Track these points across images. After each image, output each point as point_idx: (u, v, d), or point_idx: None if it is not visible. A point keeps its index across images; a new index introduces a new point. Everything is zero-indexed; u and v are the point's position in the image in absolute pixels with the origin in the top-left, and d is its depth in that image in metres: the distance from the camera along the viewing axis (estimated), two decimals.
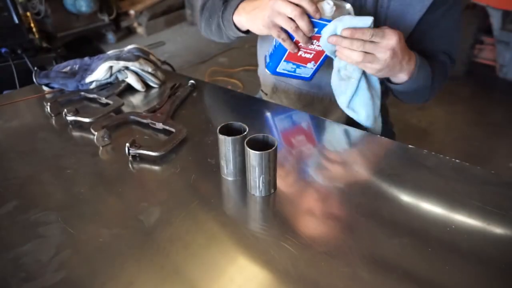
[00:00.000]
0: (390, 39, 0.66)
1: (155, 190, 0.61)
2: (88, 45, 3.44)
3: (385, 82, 0.83)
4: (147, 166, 0.67)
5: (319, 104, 0.97)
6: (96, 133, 0.71)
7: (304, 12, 0.65)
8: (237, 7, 0.80)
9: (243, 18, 0.79)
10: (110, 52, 1.00)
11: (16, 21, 1.75)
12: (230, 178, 0.63)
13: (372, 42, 0.66)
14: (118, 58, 0.93)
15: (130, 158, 0.68)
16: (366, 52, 0.67)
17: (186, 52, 3.73)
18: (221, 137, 0.58)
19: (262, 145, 0.57)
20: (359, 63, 0.69)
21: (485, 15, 2.69)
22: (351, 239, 0.51)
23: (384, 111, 1.11)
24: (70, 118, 0.79)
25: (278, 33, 0.69)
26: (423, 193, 0.59)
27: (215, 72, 3.22)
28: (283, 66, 0.78)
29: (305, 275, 0.46)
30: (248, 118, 0.84)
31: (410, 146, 0.71)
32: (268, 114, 0.86)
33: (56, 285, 0.45)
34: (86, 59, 0.98)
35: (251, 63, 3.09)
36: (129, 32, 4.26)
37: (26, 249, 0.50)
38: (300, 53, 0.74)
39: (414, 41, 0.85)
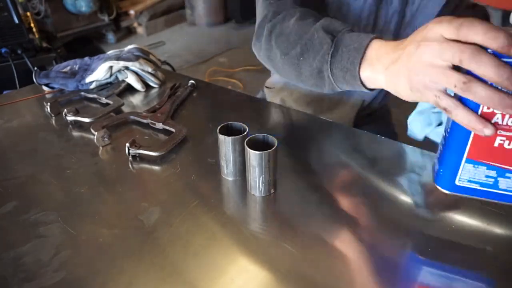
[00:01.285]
0: None
1: (155, 190, 0.61)
2: (88, 45, 3.45)
3: None
4: (147, 166, 0.67)
5: (327, 99, 0.96)
6: (96, 133, 0.71)
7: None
8: (365, 50, 0.50)
9: (381, 77, 0.48)
10: (110, 52, 1.00)
11: (16, 21, 1.75)
12: (230, 178, 0.63)
13: None
14: (118, 58, 0.93)
15: (130, 158, 0.68)
16: None
17: (186, 52, 3.73)
18: (221, 137, 0.58)
19: (262, 145, 0.58)
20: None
21: (485, 15, 2.69)
22: (351, 239, 0.51)
23: (385, 111, 1.11)
24: (70, 118, 0.79)
25: (436, 98, 0.40)
26: (423, 193, 0.59)
27: (215, 72, 3.22)
28: (468, 174, 0.44)
29: (305, 275, 0.46)
30: (248, 118, 0.85)
31: (411, 146, 0.71)
32: (268, 114, 0.86)
33: (56, 285, 0.45)
34: (86, 59, 0.98)
35: (251, 63, 3.09)
36: (129, 32, 4.26)
37: (26, 249, 0.50)
38: (497, 141, 0.40)
39: None
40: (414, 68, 0.41)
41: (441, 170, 0.46)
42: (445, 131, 0.45)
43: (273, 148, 0.55)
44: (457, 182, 0.45)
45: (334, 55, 0.53)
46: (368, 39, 0.50)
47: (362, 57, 0.50)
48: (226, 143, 0.58)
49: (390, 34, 0.84)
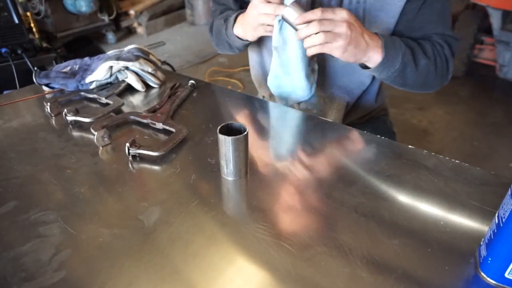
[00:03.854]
0: (341, 12, 0.71)
1: (155, 190, 0.61)
2: (88, 45, 3.44)
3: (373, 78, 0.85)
4: (147, 166, 0.67)
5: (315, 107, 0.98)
6: (96, 133, 0.71)
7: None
8: (235, 21, 0.90)
9: (240, 30, 0.89)
10: (110, 52, 1.00)
11: (16, 21, 1.74)
12: (230, 178, 0.63)
13: (326, 20, 0.70)
14: (118, 58, 0.94)
15: (130, 158, 0.68)
16: (325, 32, 0.70)
17: (186, 52, 3.73)
18: (221, 137, 0.58)
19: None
20: (323, 45, 0.72)
21: (485, 15, 2.69)
22: (351, 239, 0.51)
23: (384, 111, 1.11)
24: (70, 118, 0.79)
25: (265, 29, 0.81)
26: (423, 194, 0.59)
27: (215, 72, 3.22)
28: None
29: (305, 275, 0.46)
30: (248, 118, 0.85)
31: (410, 146, 0.71)
32: (269, 114, 0.86)
33: (56, 285, 0.45)
34: (86, 59, 0.98)
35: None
36: (129, 32, 4.26)
37: (26, 249, 0.50)
38: None
39: (402, 33, 0.87)
40: (250, 19, 0.82)
41: (490, 259, 0.45)
42: (498, 217, 0.44)
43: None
44: (507, 275, 0.44)
45: (226, 29, 0.92)
46: (235, 14, 0.90)
47: (233, 25, 0.90)
48: (226, 143, 0.59)
49: None
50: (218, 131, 0.59)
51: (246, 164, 0.63)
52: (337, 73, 0.92)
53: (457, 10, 2.86)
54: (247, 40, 0.91)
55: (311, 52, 0.74)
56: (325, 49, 0.73)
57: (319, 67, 0.91)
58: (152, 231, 0.53)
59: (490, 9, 2.55)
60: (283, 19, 0.76)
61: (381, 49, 0.76)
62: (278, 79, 0.89)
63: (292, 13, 0.73)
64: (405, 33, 0.86)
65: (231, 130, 0.61)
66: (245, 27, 0.87)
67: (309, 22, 0.71)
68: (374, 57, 0.77)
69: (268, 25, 0.80)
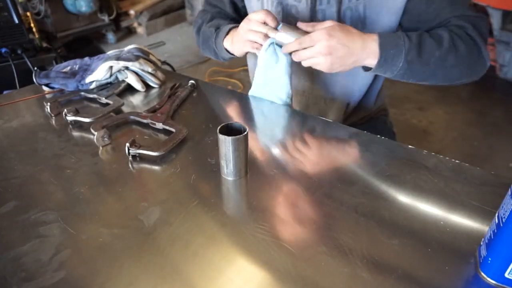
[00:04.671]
0: (318, 40, 0.72)
1: (155, 190, 0.61)
2: (88, 45, 3.44)
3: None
4: (147, 166, 0.67)
5: (314, 107, 0.98)
6: (96, 133, 0.71)
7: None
8: (227, 34, 0.91)
9: (229, 43, 0.91)
10: (110, 52, 1.00)
11: (16, 21, 1.75)
12: (230, 178, 0.63)
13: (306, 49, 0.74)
14: (118, 58, 0.94)
15: (130, 158, 0.68)
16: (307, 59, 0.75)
17: (186, 52, 3.73)
18: (221, 137, 0.58)
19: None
20: (311, 65, 0.77)
21: (485, 15, 2.69)
22: (351, 239, 0.51)
23: (383, 111, 1.11)
24: (70, 118, 0.79)
25: (252, 45, 0.83)
26: (423, 194, 0.59)
27: (215, 72, 3.22)
28: None
29: (305, 275, 0.46)
30: (248, 118, 0.85)
31: (410, 146, 0.71)
32: (269, 114, 0.86)
33: (56, 285, 0.45)
34: (86, 59, 0.98)
35: None
36: (129, 32, 4.26)
37: (26, 249, 0.50)
38: None
39: (415, 28, 0.81)
40: (240, 35, 0.84)
41: (490, 259, 0.45)
42: (498, 217, 0.45)
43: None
44: (507, 275, 0.44)
45: (216, 39, 0.94)
46: (228, 28, 0.91)
47: (224, 37, 0.91)
48: (226, 143, 0.59)
49: None
50: (218, 131, 0.59)
51: (246, 164, 0.63)
52: (338, 74, 0.92)
53: None
54: (233, 55, 0.93)
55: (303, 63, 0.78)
56: (314, 67, 0.77)
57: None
58: (152, 231, 0.53)
59: (490, 9, 2.55)
60: (276, 43, 0.80)
61: (377, 52, 0.74)
62: (259, 89, 0.90)
63: (284, 37, 0.78)
64: (418, 27, 0.81)
65: (231, 130, 0.61)
66: (234, 41, 0.88)
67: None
68: (369, 61, 0.76)
69: (255, 42, 0.82)
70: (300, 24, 0.79)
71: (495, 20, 2.53)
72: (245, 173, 0.63)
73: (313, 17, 0.87)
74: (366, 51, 0.74)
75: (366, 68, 0.80)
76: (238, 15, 1.03)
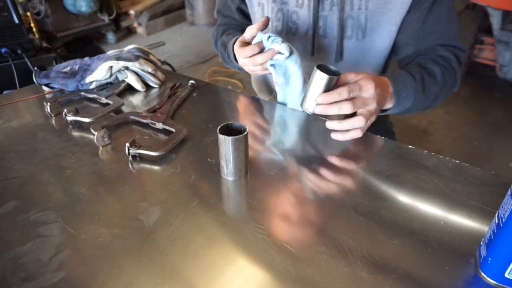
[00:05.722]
0: (368, 89, 0.66)
1: (155, 190, 0.61)
2: (88, 45, 3.45)
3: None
4: (147, 166, 0.67)
5: None
6: (96, 133, 0.71)
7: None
8: (234, 54, 0.89)
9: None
10: (110, 52, 1.00)
11: (16, 21, 1.75)
12: (230, 178, 0.63)
13: (352, 98, 0.66)
14: (118, 58, 0.94)
15: (130, 158, 0.68)
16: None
17: (186, 52, 3.73)
18: (221, 137, 0.58)
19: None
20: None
21: (485, 15, 2.69)
22: (351, 239, 0.51)
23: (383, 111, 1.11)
24: (70, 118, 0.79)
25: (260, 71, 0.81)
26: (423, 194, 0.59)
27: (215, 72, 3.22)
28: None
29: (305, 275, 0.46)
30: (248, 118, 0.85)
31: (410, 146, 0.71)
32: (269, 114, 0.86)
33: (56, 285, 0.45)
34: (86, 59, 0.98)
35: None
36: (129, 32, 4.27)
37: (26, 249, 0.50)
38: None
39: (406, 43, 0.86)
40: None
41: (490, 259, 0.45)
42: (498, 217, 0.45)
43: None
44: (507, 275, 0.44)
45: (228, 57, 0.93)
46: (231, 46, 0.89)
47: (235, 56, 0.88)
48: (226, 143, 0.59)
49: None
50: (218, 131, 0.59)
51: (246, 164, 0.63)
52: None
53: (457, 10, 2.86)
54: None
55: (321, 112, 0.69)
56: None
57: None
58: (152, 231, 0.53)
59: (490, 9, 2.55)
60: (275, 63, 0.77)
61: (391, 97, 0.74)
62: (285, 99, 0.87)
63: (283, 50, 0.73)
64: (409, 42, 0.85)
65: (231, 130, 0.61)
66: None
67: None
68: (386, 106, 0.76)
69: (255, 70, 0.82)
70: (348, 77, 0.70)
71: (495, 20, 2.53)
72: (245, 173, 0.63)
73: (315, 23, 0.87)
74: (389, 96, 0.74)
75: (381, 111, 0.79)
76: (248, 20, 1.04)
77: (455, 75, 0.84)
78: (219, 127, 0.59)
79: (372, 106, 0.68)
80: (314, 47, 0.91)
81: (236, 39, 0.85)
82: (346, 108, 0.65)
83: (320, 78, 0.65)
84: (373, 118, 0.70)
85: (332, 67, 0.68)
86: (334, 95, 0.64)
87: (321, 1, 0.85)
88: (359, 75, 0.68)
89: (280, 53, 0.74)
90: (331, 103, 0.65)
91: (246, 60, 0.79)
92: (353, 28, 0.85)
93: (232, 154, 0.59)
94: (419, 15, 0.82)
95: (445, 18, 0.83)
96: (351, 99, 0.65)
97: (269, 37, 0.75)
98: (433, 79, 0.79)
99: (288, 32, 0.93)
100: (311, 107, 0.68)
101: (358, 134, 0.69)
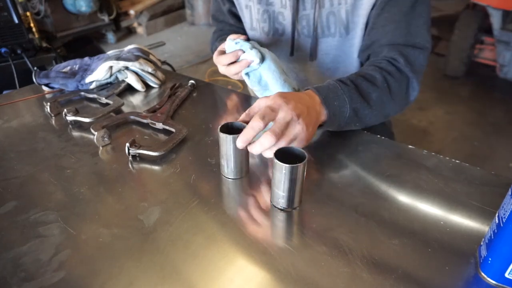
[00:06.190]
0: (281, 106, 0.57)
1: (155, 190, 0.61)
2: (88, 45, 3.45)
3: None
4: (147, 166, 0.67)
5: None
6: (96, 133, 0.71)
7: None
8: None
9: None
10: (110, 52, 1.00)
11: (16, 21, 1.75)
12: (230, 177, 0.63)
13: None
14: (118, 58, 0.94)
15: (130, 158, 0.68)
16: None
17: (186, 52, 3.73)
18: (222, 135, 0.58)
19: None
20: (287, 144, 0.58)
21: (485, 15, 2.69)
22: (351, 239, 0.51)
23: None
24: (70, 118, 0.79)
25: (238, 77, 0.80)
26: (423, 194, 0.59)
27: (215, 72, 3.21)
28: None
29: (305, 275, 0.46)
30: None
31: (410, 146, 0.71)
32: None
33: (56, 285, 0.45)
34: (86, 59, 0.98)
35: None
36: (129, 32, 4.27)
37: (26, 249, 0.50)
38: None
39: (372, 36, 0.80)
40: None
41: (490, 259, 0.45)
42: (498, 217, 0.45)
43: (303, 162, 0.52)
44: (507, 275, 0.44)
45: None
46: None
47: None
48: (227, 142, 0.58)
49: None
50: (218, 129, 0.59)
51: (247, 163, 0.63)
52: (338, 73, 0.92)
53: (457, 10, 2.86)
54: None
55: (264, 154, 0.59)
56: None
57: (308, 74, 0.95)
58: (152, 231, 0.53)
59: (490, 9, 2.55)
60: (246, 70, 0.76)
61: (322, 107, 0.65)
62: None
63: (249, 56, 0.74)
64: (371, 42, 0.80)
65: (232, 130, 0.61)
66: None
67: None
68: (321, 118, 0.66)
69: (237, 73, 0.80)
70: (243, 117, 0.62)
71: (495, 20, 2.53)
72: (246, 172, 0.63)
73: (294, 22, 0.87)
74: (318, 107, 0.64)
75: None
76: (241, 22, 1.03)
77: (406, 78, 0.75)
78: (219, 126, 0.59)
79: (295, 123, 0.58)
80: (294, 47, 0.91)
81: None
82: (267, 142, 0.55)
83: (280, 168, 0.52)
84: (300, 141, 0.60)
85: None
86: (248, 131, 0.56)
87: (301, 0, 0.84)
88: (268, 99, 0.59)
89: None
90: (251, 143, 0.57)
91: (223, 68, 0.80)
92: (336, 25, 0.84)
93: (233, 153, 0.59)
94: (374, 14, 0.78)
95: (397, 16, 0.75)
96: (271, 130, 0.55)
97: (236, 43, 0.76)
98: (370, 84, 0.71)
99: (275, 33, 0.93)
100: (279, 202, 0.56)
101: (269, 154, 0.57)
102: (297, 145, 0.59)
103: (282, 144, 0.57)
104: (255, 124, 0.56)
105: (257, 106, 0.61)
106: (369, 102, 0.70)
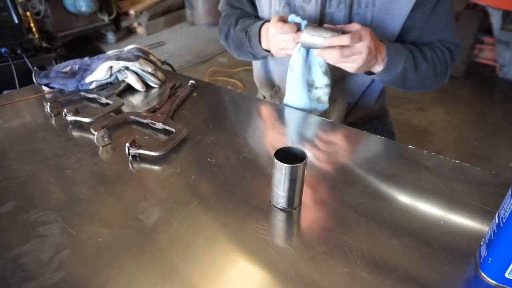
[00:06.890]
0: (365, 39, 0.74)
1: (155, 190, 0.61)
2: (88, 45, 3.44)
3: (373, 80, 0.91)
4: (147, 166, 0.67)
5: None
6: (96, 133, 0.71)
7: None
8: (260, 36, 0.91)
9: (265, 44, 0.91)
10: (110, 52, 1.00)
11: (16, 21, 1.74)
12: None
13: (348, 48, 0.74)
14: (118, 58, 0.93)
15: (130, 158, 0.68)
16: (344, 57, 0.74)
17: (186, 52, 3.73)
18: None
19: (288, 156, 0.52)
20: (342, 65, 0.78)
21: (485, 15, 2.69)
22: (351, 239, 0.51)
23: (383, 111, 1.11)
24: (70, 118, 0.79)
25: (286, 52, 0.83)
26: (423, 194, 0.59)
27: (215, 72, 3.22)
28: None
29: (305, 275, 0.46)
30: (248, 118, 0.85)
31: (410, 146, 0.71)
32: (269, 114, 0.86)
33: (56, 285, 0.45)
34: (86, 59, 0.98)
35: (250, 63, 3.09)
36: (129, 32, 4.27)
37: (26, 249, 0.50)
38: None
39: (406, 39, 0.90)
40: (269, 40, 0.86)
41: (490, 259, 0.45)
42: (498, 217, 0.45)
43: (302, 162, 0.51)
44: (507, 275, 0.44)
45: (250, 42, 0.94)
46: (258, 29, 0.90)
47: (259, 40, 0.91)
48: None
49: None
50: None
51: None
52: (338, 74, 0.92)
53: (457, 10, 2.86)
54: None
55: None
56: (339, 65, 0.78)
57: None
58: (152, 231, 0.53)
59: (490, 9, 2.55)
60: (302, 44, 0.78)
61: (384, 58, 0.80)
62: (296, 95, 0.86)
63: (310, 38, 0.76)
64: (410, 39, 0.89)
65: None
66: (270, 46, 0.88)
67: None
68: (377, 67, 0.82)
69: (287, 48, 0.83)
70: (329, 26, 0.78)
71: (495, 20, 2.53)
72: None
73: (322, 19, 0.87)
74: (381, 57, 0.80)
75: (370, 73, 0.84)
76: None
77: (446, 66, 0.90)
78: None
79: (363, 54, 0.74)
80: None
81: (264, 22, 0.89)
82: (335, 52, 0.74)
83: (280, 168, 0.52)
84: (353, 64, 0.76)
85: (298, 149, 0.55)
86: (336, 40, 0.73)
87: None
88: (363, 28, 0.75)
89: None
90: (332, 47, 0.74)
91: (284, 36, 0.80)
92: None
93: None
94: (422, 14, 0.85)
95: (445, 18, 0.88)
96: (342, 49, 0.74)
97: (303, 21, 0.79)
98: (423, 57, 0.86)
99: None
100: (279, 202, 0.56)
101: (335, 54, 0.74)
102: (344, 67, 0.78)
103: (335, 57, 0.75)
104: (345, 40, 0.72)
105: (353, 26, 0.76)
106: (417, 69, 0.85)
